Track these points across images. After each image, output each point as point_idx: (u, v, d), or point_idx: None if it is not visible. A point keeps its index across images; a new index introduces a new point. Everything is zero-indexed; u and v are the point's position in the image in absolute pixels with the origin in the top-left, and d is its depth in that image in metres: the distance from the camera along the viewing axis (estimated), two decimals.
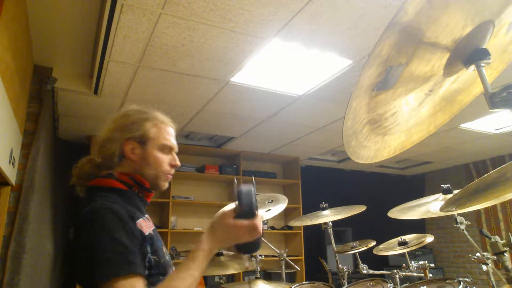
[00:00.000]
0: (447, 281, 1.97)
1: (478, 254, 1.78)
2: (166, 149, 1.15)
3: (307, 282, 2.39)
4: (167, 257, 1.10)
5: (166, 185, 1.17)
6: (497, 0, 0.80)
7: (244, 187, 0.99)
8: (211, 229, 1.00)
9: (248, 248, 1.01)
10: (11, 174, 2.15)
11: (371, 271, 2.52)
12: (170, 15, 2.09)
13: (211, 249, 0.99)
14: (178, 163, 1.18)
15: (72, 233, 1.00)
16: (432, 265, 2.40)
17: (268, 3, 2.02)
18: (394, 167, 6.07)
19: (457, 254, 5.77)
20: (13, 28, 1.86)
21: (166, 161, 1.14)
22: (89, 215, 0.95)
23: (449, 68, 0.90)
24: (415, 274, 2.41)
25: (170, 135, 1.17)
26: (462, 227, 1.89)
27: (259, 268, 2.36)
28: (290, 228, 5.12)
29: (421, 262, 2.39)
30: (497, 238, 1.38)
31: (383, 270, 2.68)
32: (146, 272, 0.96)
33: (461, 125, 4.00)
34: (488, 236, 1.45)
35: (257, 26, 2.21)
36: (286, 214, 5.30)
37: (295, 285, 2.27)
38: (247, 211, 0.96)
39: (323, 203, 2.63)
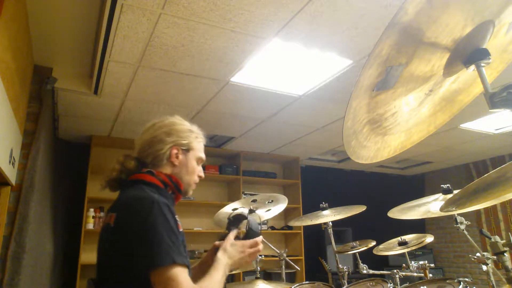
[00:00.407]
0: (447, 281, 1.97)
1: (478, 254, 1.78)
2: (200, 161, 1.32)
3: (307, 282, 2.39)
4: None
5: (191, 192, 1.31)
6: (497, 0, 0.80)
7: (252, 218, 1.31)
8: (224, 250, 1.19)
9: None
10: (11, 174, 2.15)
11: (371, 271, 2.52)
12: (170, 15, 2.09)
13: (227, 264, 1.17)
14: (203, 175, 1.34)
15: (111, 218, 1.10)
16: (432, 265, 2.40)
17: (268, 3, 2.02)
18: (394, 167, 6.07)
19: (457, 254, 5.77)
20: (13, 28, 1.86)
21: (197, 172, 1.30)
22: (143, 203, 1.04)
23: (449, 68, 0.90)
24: (415, 274, 2.41)
25: (203, 149, 1.34)
26: (462, 227, 1.89)
27: (259, 268, 2.36)
28: (290, 228, 5.12)
29: (421, 262, 2.39)
30: (497, 238, 1.38)
31: (383, 270, 2.68)
32: None
33: (461, 125, 4.00)
34: (488, 236, 1.45)
35: (257, 26, 2.21)
36: (286, 214, 5.30)
37: (295, 285, 2.27)
38: (256, 232, 1.25)
39: (323, 203, 2.63)
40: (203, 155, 1.32)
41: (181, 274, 0.97)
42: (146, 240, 0.98)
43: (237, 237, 1.25)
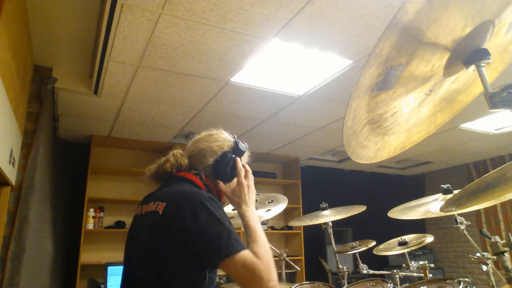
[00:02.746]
0: (447, 281, 1.97)
1: (478, 254, 1.78)
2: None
3: (307, 282, 2.39)
4: None
5: None
6: (497, 0, 0.80)
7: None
8: (236, 203, 1.27)
9: None
10: (11, 174, 2.15)
11: (371, 271, 2.52)
12: (170, 15, 2.09)
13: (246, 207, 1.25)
14: None
15: (158, 207, 1.16)
16: (432, 265, 2.40)
17: (268, 3, 2.02)
18: (394, 167, 6.06)
19: (457, 254, 5.77)
20: (13, 28, 1.86)
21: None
22: (201, 198, 1.11)
23: (449, 68, 0.90)
24: (415, 274, 2.41)
25: None
26: (462, 227, 1.89)
27: None
28: (290, 228, 5.12)
29: (421, 262, 2.39)
30: (497, 238, 1.38)
31: (383, 270, 2.68)
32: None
33: (461, 125, 4.00)
34: (488, 236, 1.45)
35: (257, 26, 2.21)
36: (286, 214, 5.30)
37: (295, 285, 2.27)
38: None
39: (323, 203, 2.63)
40: None
41: (249, 255, 1.05)
42: (216, 233, 1.05)
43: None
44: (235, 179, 1.34)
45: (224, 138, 1.35)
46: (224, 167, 1.29)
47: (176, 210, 1.10)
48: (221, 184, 1.30)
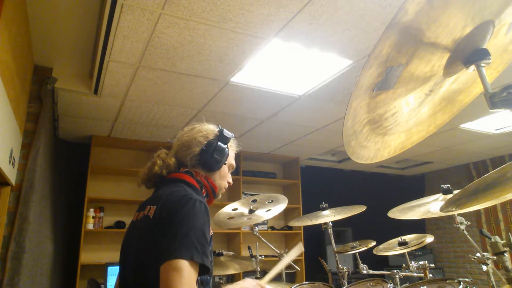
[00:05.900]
0: (447, 281, 1.97)
1: (478, 254, 1.78)
2: (231, 168, 1.40)
3: (307, 282, 2.39)
4: None
5: (220, 197, 1.36)
6: (497, 0, 0.80)
7: None
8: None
9: None
10: (11, 174, 2.15)
11: (371, 271, 2.52)
12: (170, 15, 2.09)
13: None
14: (231, 182, 1.41)
15: (150, 211, 1.16)
16: (432, 265, 2.40)
17: (268, 3, 2.02)
18: (394, 167, 6.06)
19: (457, 254, 5.76)
20: (13, 29, 1.86)
21: (227, 178, 1.38)
22: (186, 200, 1.09)
23: (449, 68, 0.90)
24: (415, 274, 2.41)
25: (234, 157, 1.41)
26: (462, 227, 1.89)
27: (259, 268, 2.36)
28: (290, 228, 5.12)
29: (421, 262, 2.39)
30: (497, 238, 1.38)
31: (383, 270, 2.68)
32: None
33: (461, 125, 4.00)
34: (488, 236, 1.45)
35: (257, 26, 2.21)
36: (286, 214, 5.30)
37: (295, 285, 2.27)
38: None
39: (323, 203, 2.63)
40: (234, 163, 1.40)
41: (188, 269, 0.98)
42: (176, 232, 1.02)
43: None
44: (225, 166, 1.34)
45: (208, 128, 1.34)
46: (211, 154, 1.28)
47: (164, 212, 1.10)
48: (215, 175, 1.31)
